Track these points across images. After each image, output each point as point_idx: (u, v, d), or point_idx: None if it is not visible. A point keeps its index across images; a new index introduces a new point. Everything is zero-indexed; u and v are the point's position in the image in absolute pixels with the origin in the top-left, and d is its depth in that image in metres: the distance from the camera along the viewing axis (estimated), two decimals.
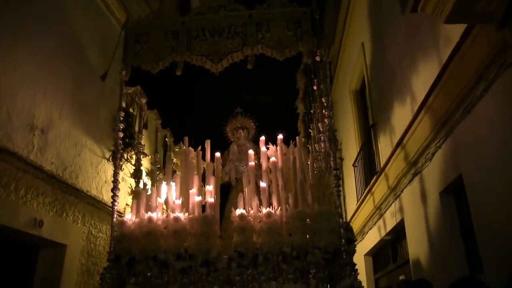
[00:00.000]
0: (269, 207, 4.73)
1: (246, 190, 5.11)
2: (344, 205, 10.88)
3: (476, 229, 4.74)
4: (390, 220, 7.53)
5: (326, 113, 4.92)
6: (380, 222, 8.16)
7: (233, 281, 4.46)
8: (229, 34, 5.31)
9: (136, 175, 5.69)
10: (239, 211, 4.70)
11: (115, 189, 4.93)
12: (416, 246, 6.42)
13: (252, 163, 5.42)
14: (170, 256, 4.56)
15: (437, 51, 5.30)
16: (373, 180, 8.04)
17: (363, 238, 9.44)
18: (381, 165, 7.51)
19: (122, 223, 4.83)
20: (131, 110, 8.39)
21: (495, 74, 4.08)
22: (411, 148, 6.14)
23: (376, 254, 9.36)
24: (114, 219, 4.84)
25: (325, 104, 4.95)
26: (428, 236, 5.93)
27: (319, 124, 5.41)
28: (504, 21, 3.43)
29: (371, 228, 8.85)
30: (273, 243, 4.53)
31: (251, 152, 5.63)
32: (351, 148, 10.63)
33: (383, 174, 7.40)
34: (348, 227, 4.82)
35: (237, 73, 5.86)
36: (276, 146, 5.72)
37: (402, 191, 6.80)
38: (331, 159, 4.75)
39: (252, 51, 5.22)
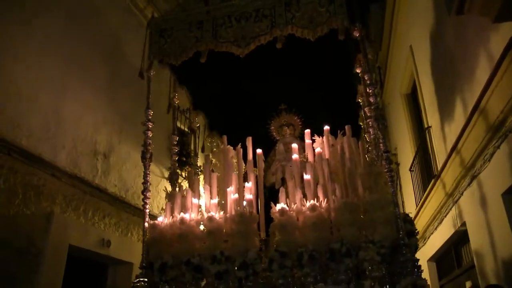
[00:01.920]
0: (314, 200, 4.16)
1: (289, 184, 4.56)
2: (403, 210, 10.15)
3: None
4: (451, 224, 7.18)
5: (370, 91, 4.34)
6: (441, 226, 7.79)
7: (275, 285, 3.92)
8: (256, 17, 4.89)
9: (172, 178, 5.29)
10: (279, 206, 4.17)
11: (145, 190, 4.56)
12: (481, 250, 6.06)
13: (296, 156, 4.88)
14: (205, 259, 4.08)
15: (487, 51, 4.95)
16: (431, 184, 7.73)
17: (425, 243, 8.94)
18: (438, 169, 7.26)
19: (154, 226, 4.42)
20: (185, 128, 8.18)
21: None
22: (468, 150, 5.84)
23: (440, 260, 8.85)
24: (146, 223, 4.44)
25: (368, 82, 4.38)
26: (492, 239, 5.57)
27: (366, 109, 4.82)
28: None
29: (432, 233, 8.39)
30: (320, 239, 3.97)
31: (294, 145, 5.12)
32: (406, 153, 10.28)
33: (440, 178, 7.15)
34: (407, 218, 4.19)
35: (279, 66, 5.49)
36: (323, 137, 5.16)
37: (462, 194, 6.44)
38: (381, 141, 4.14)
39: (282, 33, 4.73)
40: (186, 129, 8.23)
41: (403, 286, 3.60)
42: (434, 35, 7.18)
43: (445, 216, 7.48)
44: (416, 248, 4.19)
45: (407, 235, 3.89)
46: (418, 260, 3.82)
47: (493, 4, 3.55)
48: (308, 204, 4.12)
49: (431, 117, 7.89)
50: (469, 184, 6.08)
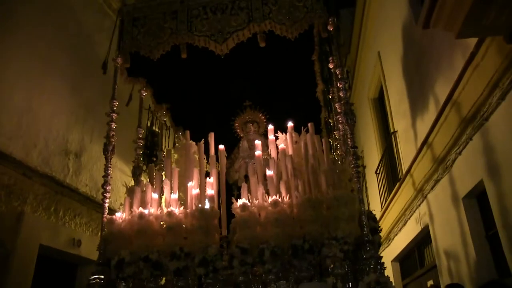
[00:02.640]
0: (277, 196, 4.06)
1: (251, 180, 4.44)
2: (368, 207, 10.41)
3: (501, 232, 4.56)
4: (415, 226, 7.42)
5: (340, 85, 4.27)
6: (405, 228, 8.05)
7: (236, 282, 3.79)
8: (232, 10, 4.80)
9: (135, 173, 5.11)
10: (241, 201, 4.05)
11: (105, 184, 4.38)
12: (442, 251, 6.26)
13: (259, 153, 4.78)
14: (164, 256, 3.93)
15: (451, 63, 5.19)
16: (396, 187, 7.97)
17: (389, 244, 9.21)
18: (404, 172, 7.46)
19: (111, 221, 4.24)
20: (156, 128, 8.00)
21: (510, 82, 4.02)
22: (431, 156, 6.04)
23: (403, 260, 9.10)
24: (104, 218, 4.26)
25: (339, 76, 4.32)
26: (453, 240, 5.78)
27: (337, 105, 4.76)
28: None
29: (396, 234, 8.62)
30: (282, 235, 3.88)
31: (258, 142, 5.00)
32: (372, 156, 10.52)
33: (405, 181, 7.36)
34: (371, 215, 4.13)
35: (245, 59, 5.36)
36: (287, 134, 5.07)
37: (425, 197, 6.70)
38: (349, 136, 4.07)
39: (259, 28, 4.64)
40: (157, 129, 8.04)
41: (366, 283, 3.51)
42: (402, 42, 7.35)
43: (409, 218, 7.66)
44: (379, 245, 4.16)
45: (370, 232, 3.82)
46: (381, 257, 3.76)
47: (455, 21, 3.77)
48: (270, 199, 4.02)
49: (397, 122, 8.10)
50: (432, 188, 6.26)
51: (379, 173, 9.51)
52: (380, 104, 10.06)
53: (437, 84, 5.78)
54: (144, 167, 5.57)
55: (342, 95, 4.25)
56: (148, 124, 7.84)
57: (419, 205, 7.01)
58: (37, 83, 6.20)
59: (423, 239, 7.40)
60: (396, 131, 8.12)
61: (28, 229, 5.55)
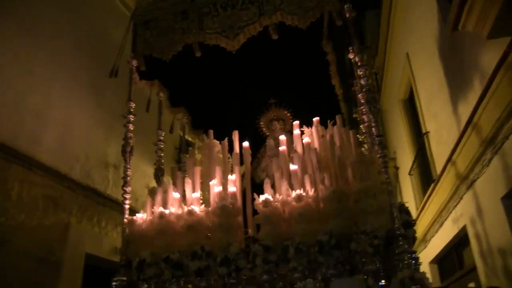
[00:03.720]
0: (301, 191, 3.85)
1: (275, 175, 4.25)
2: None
3: None
4: (452, 227, 7.18)
5: (361, 72, 4.05)
6: (442, 229, 7.80)
7: (259, 282, 3.59)
8: (243, 5, 4.63)
9: (157, 174, 5.00)
10: (263, 196, 3.86)
11: (125, 185, 4.30)
12: (482, 252, 6.09)
13: (283, 148, 4.59)
14: (185, 256, 3.77)
15: (481, 62, 5.05)
16: (430, 188, 7.80)
17: (426, 246, 8.95)
18: (438, 173, 7.31)
19: (132, 222, 4.12)
20: (190, 138, 7.95)
21: None
22: (465, 156, 5.91)
23: (441, 262, 8.82)
24: (125, 220, 4.15)
25: (359, 63, 4.10)
26: (493, 242, 5.60)
27: (360, 95, 4.53)
28: None
29: (433, 236, 8.38)
30: (307, 231, 3.66)
31: (282, 137, 4.82)
32: (405, 157, 10.32)
33: (440, 182, 7.18)
34: (403, 208, 3.86)
35: (266, 56, 5.25)
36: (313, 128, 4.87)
37: (461, 198, 6.46)
38: (373, 125, 3.84)
39: (271, 20, 4.47)
40: (189, 139, 8.01)
41: (399, 280, 3.26)
42: (430, 43, 7.18)
43: (446, 219, 7.44)
44: (414, 240, 3.87)
45: (403, 226, 3.56)
46: (415, 251, 3.52)
47: (486, 22, 3.79)
48: (294, 194, 3.82)
49: (429, 123, 7.95)
50: (468, 189, 6.10)
51: (412, 174, 9.36)
52: (411, 105, 9.88)
53: (469, 84, 5.60)
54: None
55: (363, 83, 4.02)
56: (181, 134, 7.78)
57: (456, 206, 6.79)
58: (73, 99, 6.41)
59: (461, 240, 7.16)
60: (428, 132, 7.96)
61: (75, 239, 5.83)
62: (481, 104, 5.04)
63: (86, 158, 6.43)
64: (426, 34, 7.41)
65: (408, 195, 9.97)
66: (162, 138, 5.18)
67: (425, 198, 8.14)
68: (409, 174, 9.43)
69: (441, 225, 7.79)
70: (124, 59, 4.83)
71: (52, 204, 5.65)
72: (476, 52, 5.21)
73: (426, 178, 8.58)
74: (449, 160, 6.47)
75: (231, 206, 3.91)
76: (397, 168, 10.92)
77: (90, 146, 6.55)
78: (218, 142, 5.06)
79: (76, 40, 6.72)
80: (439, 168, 7.25)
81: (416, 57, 8.47)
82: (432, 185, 7.62)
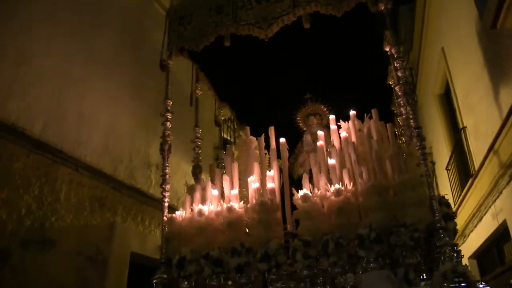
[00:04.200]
0: (340, 185, 3.84)
1: (313, 170, 4.25)
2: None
3: None
4: (491, 222, 7.24)
5: (397, 64, 4.00)
6: (481, 224, 7.87)
7: (300, 277, 3.60)
8: None
9: (195, 172, 5.07)
10: (301, 192, 3.86)
11: (164, 183, 4.36)
12: None
13: (321, 142, 4.57)
14: (225, 252, 3.81)
15: None
16: (468, 183, 7.90)
17: (465, 241, 9.06)
18: (475, 168, 7.41)
19: (171, 220, 4.20)
20: (227, 136, 8.05)
21: None
22: (505, 149, 5.97)
23: (481, 257, 8.91)
24: (165, 217, 4.22)
25: (395, 55, 4.05)
26: None
27: (397, 88, 4.48)
28: None
29: (472, 231, 8.48)
30: (346, 225, 3.65)
31: (320, 132, 4.81)
32: (441, 152, 10.43)
33: (478, 177, 7.27)
34: (443, 200, 3.81)
35: (301, 50, 5.24)
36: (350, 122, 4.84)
37: (501, 192, 6.53)
38: (411, 117, 3.79)
39: (305, 11, 4.45)
40: (229, 137, 8.08)
41: (441, 273, 3.21)
42: (467, 38, 7.25)
43: (485, 214, 7.50)
44: (455, 233, 3.82)
45: (443, 218, 3.51)
46: (457, 244, 3.46)
47: None
48: (332, 188, 3.81)
49: (466, 118, 8.06)
50: (508, 183, 6.16)
51: (449, 169, 9.40)
52: (447, 100, 9.95)
53: (508, 76, 5.62)
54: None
55: (400, 75, 3.97)
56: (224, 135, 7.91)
57: (495, 200, 6.85)
58: (115, 101, 6.61)
59: (501, 235, 7.17)
60: (466, 127, 8.04)
61: (120, 238, 5.83)
62: None
63: (129, 158, 6.63)
64: (462, 28, 7.42)
65: (445, 190, 9.98)
66: (199, 135, 5.23)
67: (463, 193, 8.19)
68: (446, 169, 9.47)
69: (480, 220, 7.81)
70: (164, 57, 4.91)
71: (98, 204, 5.85)
72: None
73: (464, 173, 8.64)
74: (488, 154, 6.49)
75: (269, 202, 3.93)
76: (433, 163, 10.88)
77: (133, 147, 6.74)
78: (254, 138, 5.07)
79: (116, 42, 6.88)
80: (477, 163, 7.30)
81: (452, 52, 8.50)
82: (470, 180, 7.69)
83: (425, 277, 3.43)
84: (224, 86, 5.72)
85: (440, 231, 3.37)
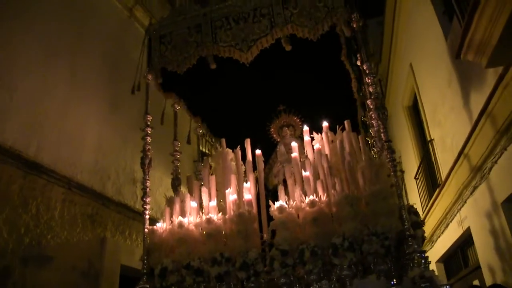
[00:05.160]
0: (314, 196, 4.03)
1: (288, 182, 4.43)
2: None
3: None
4: (457, 228, 7.69)
5: (369, 80, 4.22)
6: (448, 230, 8.30)
7: (278, 284, 3.77)
8: (255, 18, 4.82)
9: (174, 184, 5.20)
10: (278, 203, 4.04)
11: (145, 196, 4.48)
12: (485, 252, 6.58)
13: (295, 154, 4.76)
14: (205, 262, 3.96)
15: (484, 76, 5.41)
16: (436, 193, 8.30)
17: (433, 246, 9.42)
18: (442, 178, 7.84)
19: (153, 231, 4.32)
20: (205, 149, 8.15)
21: None
22: (470, 162, 6.36)
23: (447, 261, 9.34)
24: (146, 229, 4.34)
25: (367, 71, 4.27)
26: (495, 242, 6.05)
27: (369, 101, 4.70)
28: None
29: (439, 236, 8.87)
30: (321, 235, 3.83)
31: (294, 144, 4.99)
32: (410, 161, 10.80)
33: (445, 187, 7.68)
34: (412, 209, 4.03)
35: (274, 64, 5.36)
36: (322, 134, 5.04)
37: (465, 202, 6.98)
38: (382, 130, 4.01)
39: (282, 33, 4.65)
40: (206, 150, 8.18)
41: (410, 278, 3.43)
42: (433, 56, 7.62)
43: (451, 221, 7.94)
44: (423, 240, 4.04)
45: (412, 227, 3.74)
46: (425, 251, 3.67)
47: (484, 54, 4.37)
48: (307, 200, 3.99)
49: (433, 131, 8.46)
50: (471, 193, 6.60)
51: (418, 178, 9.76)
52: (415, 112, 10.31)
53: (470, 97, 6.02)
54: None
55: (371, 90, 4.19)
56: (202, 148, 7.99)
57: (460, 209, 7.28)
58: (103, 121, 6.81)
59: (465, 240, 7.66)
60: (433, 139, 8.42)
61: (111, 252, 6.24)
62: (482, 117, 5.47)
63: (116, 175, 6.83)
64: (428, 47, 7.78)
65: (414, 198, 10.36)
66: (177, 148, 5.35)
67: (431, 201, 8.53)
68: (415, 178, 9.82)
69: (446, 227, 8.22)
70: (143, 75, 5.02)
71: (89, 220, 6.06)
72: (476, 68, 5.46)
73: (432, 182, 9.02)
74: (453, 166, 6.89)
75: (247, 213, 4.09)
76: (402, 172, 11.19)
77: (119, 164, 6.93)
78: (231, 150, 5.22)
79: (98, 65, 7.04)
80: (444, 173, 7.68)
81: (419, 68, 8.84)
82: (438, 189, 8.05)
83: (395, 282, 3.62)
84: (198, 100, 5.81)
85: (409, 239, 3.58)
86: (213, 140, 6.28)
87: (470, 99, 6.09)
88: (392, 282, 3.63)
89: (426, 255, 3.64)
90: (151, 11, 8.37)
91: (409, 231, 3.63)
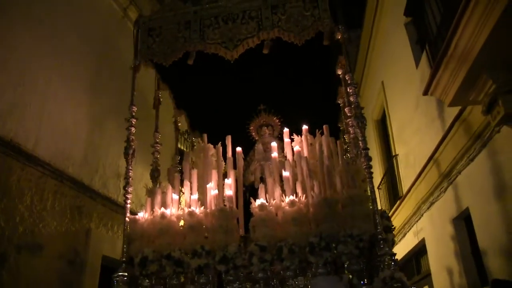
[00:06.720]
0: (293, 196, 4.22)
1: (268, 181, 4.60)
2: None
3: (482, 249, 5.55)
4: (413, 238, 8.33)
5: (351, 90, 4.44)
6: (405, 239, 8.90)
7: (255, 279, 3.95)
8: (243, 19, 4.96)
9: (153, 175, 5.30)
10: (259, 201, 4.21)
11: (127, 185, 4.55)
12: (436, 261, 7.25)
13: (275, 154, 4.94)
14: (185, 253, 4.10)
15: (443, 113, 6.27)
16: (397, 204, 8.94)
17: None
18: (404, 191, 8.47)
19: (134, 221, 4.42)
20: (183, 147, 8.25)
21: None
22: (427, 182, 7.13)
23: (403, 267, 9.56)
24: (127, 219, 4.43)
25: (349, 82, 4.48)
26: (444, 253, 6.73)
27: (346, 109, 4.91)
28: (488, 109, 4.55)
29: (396, 244, 9.14)
30: (299, 233, 4.03)
31: (273, 144, 5.17)
32: (375, 172, 11.28)
33: (405, 200, 8.34)
34: (384, 214, 4.28)
35: (260, 64, 5.51)
36: (302, 136, 5.23)
37: (422, 215, 7.67)
38: (360, 138, 4.23)
39: (269, 36, 4.82)
40: (184, 148, 8.30)
41: (381, 279, 3.65)
42: (403, 80, 8.17)
43: (408, 231, 8.56)
44: (393, 243, 4.29)
45: (384, 230, 3.97)
46: (395, 254, 3.90)
47: (447, 94, 5.03)
48: (287, 199, 4.18)
49: (398, 147, 9.01)
50: (428, 208, 7.33)
51: (380, 189, 10.22)
52: (383, 126, 10.81)
53: (434, 124, 6.62)
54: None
55: (352, 100, 4.40)
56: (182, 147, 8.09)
57: (417, 221, 7.96)
58: (96, 119, 7.05)
59: (420, 249, 8.26)
60: (397, 155, 8.99)
61: (94, 243, 6.51)
62: (443, 142, 6.19)
63: (103, 170, 7.10)
64: (400, 70, 8.31)
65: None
66: (158, 140, 5.46)
67: (392, 211, 9.06)
68: (378, 188, 10.18)
69: (404, 236, 8.85)
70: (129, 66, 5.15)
71: (77, 212, 6.30)
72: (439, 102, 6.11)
73: (393, 194, 9.66)
74: (414, 182, 7.58)
75: (229, 209, 4.25)
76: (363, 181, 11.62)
77: (107, 159, 7.19)
78: (212, 146, 5.36)
79: (93, 66, 7.22)
80: (405, 187, 8.33)
81: (390, 87, 9.32)
82: (398, 201, 8.73)
83: (366, 282, 3.85)
84: (182, 94, 5.94)
85: (381, 241, 3.82)
86: (192, 138, 6.41)
87: (433, 125, 6.65)
88: (362, 282, 3.87)
89: (395, 257, 3.89)
90: (143, 11, 8.36)
91: (381, 235, 3.85)
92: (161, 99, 5.71)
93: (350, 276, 3.84)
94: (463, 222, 6.27)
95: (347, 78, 4.54)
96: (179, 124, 6.11)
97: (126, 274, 4.16)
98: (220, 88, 5.82)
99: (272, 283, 3.99)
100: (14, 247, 5.10)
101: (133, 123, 4.83)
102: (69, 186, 6.16)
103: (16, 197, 5.25)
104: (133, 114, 4.88)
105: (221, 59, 5.01)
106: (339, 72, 5.12)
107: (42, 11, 6.10)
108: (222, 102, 5.92)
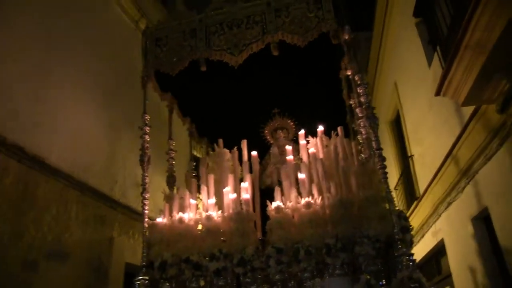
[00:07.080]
0: (309, 198, 4.25)
1: (284, 183, 4.64)
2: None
3: (503, 249, 5.45)
4: (432, 239, 8.31)
5: (361, 91, 4.45)
6: (423, 240, 8.83)
7: (273, 280, 3.99)
8: (248, 24, 4.99)
9: (169, 181, 5.37)
10: (275, 203, 4.25)
11: (144, 192, 4.63)
12: (456, 262, 7.19)
13: (290, 157, 4.97)
14: (204, 257, 4.15)
15: (459, 112, 6.15)
16: (414, 205, 8.91)
17: None
18: (420, 192, 8.44)
19: (153, 226, 4.49)
20: (196, 153, 8.33)
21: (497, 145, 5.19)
22: (444, 182, 7.00)
23: (423, 267, 9.53)
24: (145, 224, 4.50)
25: (358, 82, 4.49)
26: (464, 253, 6.67)
27: (358, 110, 4.93)
28: (503, 108, 4.61)
29: (415, 245, 9.13)
30: (315, 235, 4.04)
31: (289, 147, 5.20)
32: (391, 173, 11.29)
33: (422, 200, 8.29)
34: (401, 215, 4.25)
35: (272, 68, 5.52)
36: (317, 138, 5.26)
37: (440, 215, 7.59)
38: (373, 139, 4.24)
39: (273, 39, 4.83)
40: (197, 154, 8.40)
41: (399, 279, 3.65)
42: (416, 79, 8.10)
43: (426, 232, 8.50)
44: (411, 244, 4.25)
45: (401, 231, 3.95)
46: (413, 254, 3.89)
47: (460, 94, 4.99)
48: (303, 201, 4.21)
49: (414, 147, 8.96)
50: (446, 208, 7.23)
51: (397, 189, 10.16)
52: (397, 127, 10.72)
53: (450, 121, 6.53)
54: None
55: (363, 100, 4.41)
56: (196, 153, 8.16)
57: (435, 221, 7.91)
58: (116, 131, 7.40)
59: (439, 250, 8.19)
60: (413, 155, 8.92)
61: (117, 250, 6.79)
62: (459, 141, 6.07)
63: (123, 180, 7.40)
64: (412, 70, 8.24)
65: None
66: (172, 147, 5.53)
67: (409, 212, 8.93)
68: (395, 189, 10.10)
69: (422, 237, 8.79)
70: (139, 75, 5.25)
71: (99, 221, 6.58)
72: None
73: (410, 195, 9.55)
74: (431, 182, 7.46)
75: (246, 212, 4.29)
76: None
77: (125, 169, 7.48)
78: (227, 150, 5.41)
79: (108, 76, 7.49)
80: (421, 187, 8.23)
81: (403, 88, 9.26)
82: (415, 202, 8.64)
83: (384, 282, 3.86)
84: (188, 102, 5.97)
85: (398, 242, 3.82)
86: (205, 145, 6.48)
87: (448, 124, 6.57)
88: (380, 283, 3.87)
89: (413, 258, 3.89)
90: (153, 23, 8.58)
91: (399, 235, 3.84)
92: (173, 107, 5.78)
93: (368, 277, 3.84)
94: (482, 221, 6.18)
95: (356, 79, 4.54)
96: (193, 130, 6.17)
97: (147, 278, 4.24)
98: (228, 94, 5.84)
99: (290, 285, 4.01)
100: (43, 255, 5.37)
101: (147, 131, 4.90)
102: (90, 196, 6.41)
103: (44, 208, 5.55)
104: (146, 122, 4.95)
105: (227, 64, 5.05)
106: (349, 73, 5.12)
107: (61, 33, 6.42)
108: (231, 108, 5.93)
